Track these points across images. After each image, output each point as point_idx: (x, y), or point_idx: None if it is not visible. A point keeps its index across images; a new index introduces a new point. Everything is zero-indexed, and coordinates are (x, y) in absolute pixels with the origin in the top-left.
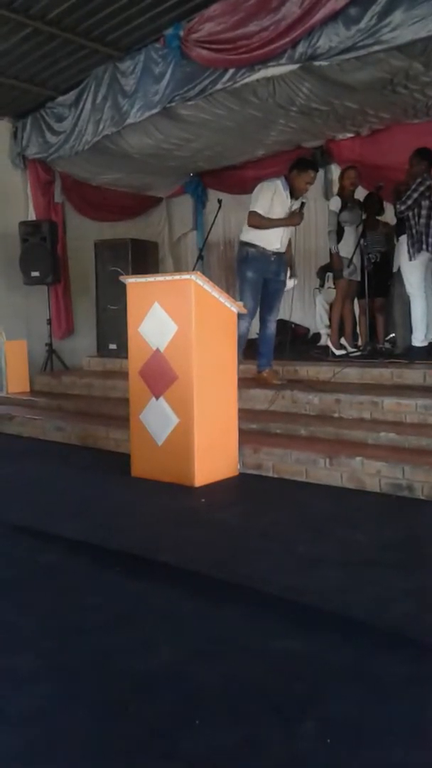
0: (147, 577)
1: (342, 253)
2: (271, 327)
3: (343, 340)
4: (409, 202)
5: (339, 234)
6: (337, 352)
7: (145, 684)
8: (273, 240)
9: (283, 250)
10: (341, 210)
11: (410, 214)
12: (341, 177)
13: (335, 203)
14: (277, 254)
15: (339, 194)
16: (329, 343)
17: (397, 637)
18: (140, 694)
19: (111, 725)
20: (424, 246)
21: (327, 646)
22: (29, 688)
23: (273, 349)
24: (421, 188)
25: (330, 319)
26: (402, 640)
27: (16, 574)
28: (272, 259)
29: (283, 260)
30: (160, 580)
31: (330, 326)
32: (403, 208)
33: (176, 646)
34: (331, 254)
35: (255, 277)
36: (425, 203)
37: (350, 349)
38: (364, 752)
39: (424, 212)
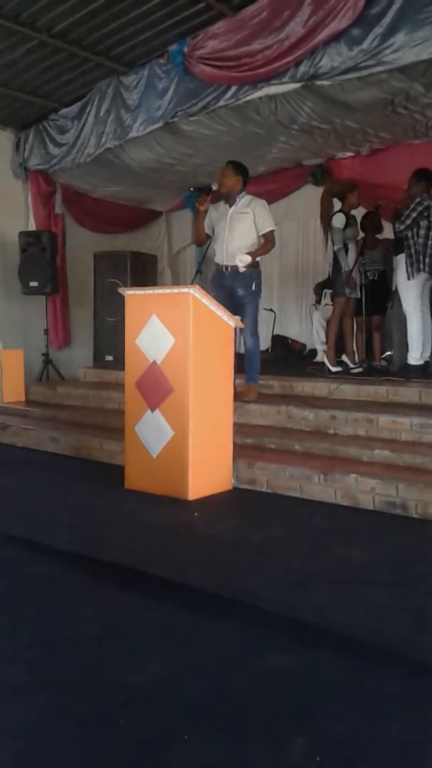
0: (139, 590)
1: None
2: (248, 342)
3: (344, 357)
4: (408, 221)
5: (345, 251)
6: (333, 369)
7: (135, 697)
8: None
9: None
10: (345, 227)
11: (409, 233)
12: (350, 193)
13: (340, 220)
14: None
15: (341, 210)
16: (325, 360)
17: (390, 654)
18: (130, 708)
19: (100, 739)
20: (421, 266)
21: (320, 662)
22: (19, 699)
23: (254, 365)
24: (420, 208)
25: (327, 336)
26: (395, 658)
27: (8, 584)
28: None
29: None
30: (152, 593)
31: (326, 342)
32: (402, 227)
33: (167, 660)
34: (338, 271)
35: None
36: (423, 223)
37: (351, 366)
38: None
39: (422, 232)
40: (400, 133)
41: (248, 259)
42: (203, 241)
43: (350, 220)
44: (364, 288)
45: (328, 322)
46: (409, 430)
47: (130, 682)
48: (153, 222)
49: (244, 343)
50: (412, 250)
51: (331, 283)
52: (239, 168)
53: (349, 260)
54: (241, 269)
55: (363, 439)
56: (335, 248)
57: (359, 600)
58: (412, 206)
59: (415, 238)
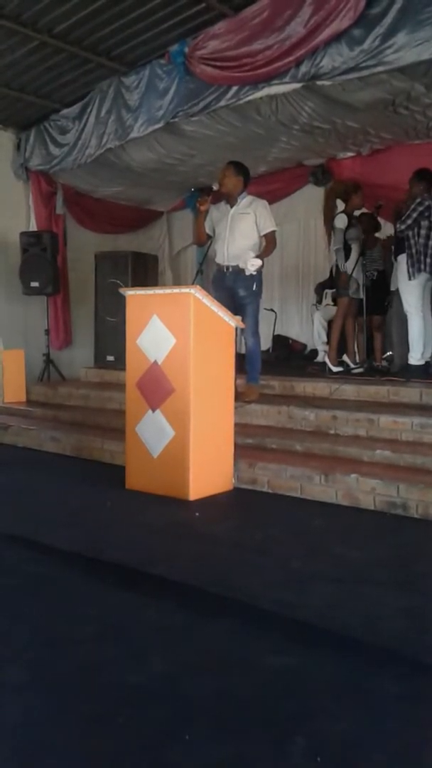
0: (139, 590)
1: (349, 271)
2: (248, 342)
3: (345, 357)
4: (409, 221)
5: (345, 252)
6: (335, 369)
7: (134, 697)
8: None
9: None
10: (347, 228)
11: (410, 233)
12: (354, 194)
13: (342, 221)
14: None
15: (344, 211)
16: (327, 360)
17: (390, 654)
18: (130, 707)
19: (100, 738)
20: (422, 266)
21: (319, 662)
22: (18, 698)
23: (255, 365)
24: (420, 208)
25: (329, 336)
26: (395, 657)
27: (8, 583)
28: None
29: None
30: (153, 592)
31: (328, 343)
32: (403, 227)
33: (167, 659)
34: (338, 272)
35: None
36: (424, 223)
37: (352, 366)
38: None
39: (423, 232)
40: (401, 133)
41: (259, 262)
42: (204, 241)
43: (353, 221)
44: (365, 288)
45: (329, 322)
46: (410, 430)
47: (130, 682)
48: (154, 222)
49: (245, 343)
50: (413, 250)
51: (332, 283)
52: (240, 168)
53: (352, 261)
54: (252, 272)
55: (364, 440)
56: (334, 248)
57: (359, 600)
58: (412, 206)
59: (416, 238)
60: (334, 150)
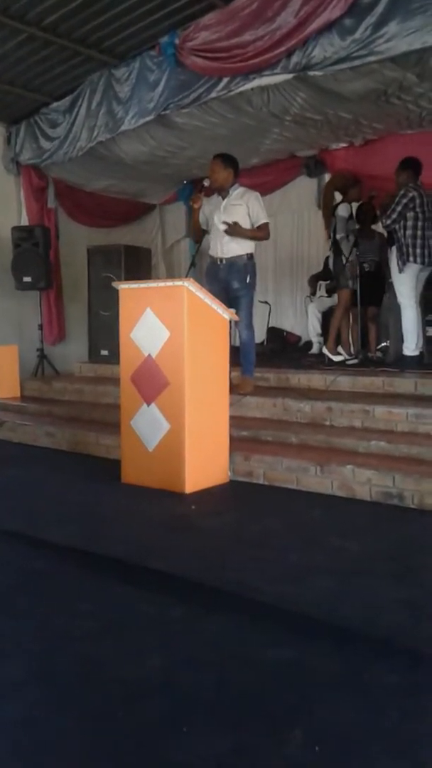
0: (137, 584)
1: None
2: (243, 335)
3: (340, 348)
4: (394, 215)
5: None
6: (335, 359)
7: (134, 691)
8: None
9: None
10: (348, 218)
11: (396, 226)
12: (352, 188)
13: (346, 209)
14: None
15: (344, 201)
16: (325, 350)
17: (388, 646)
18: (129, 702)
19: (99, 732)
20: (411, 258)
21: (318, 654)
22: (17, 694)
23: (249, 358)
24: (404, 200)
25: (324, 328)
26: (393, 649)
27: (5, 579)
28: None
29: None
30: (150, 586)
31: (324, 334)
32: (388, 222)
33: (166, 654)
34: (343, 263)
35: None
36: (410, 215)
37: (347, 357)
38: (353, 761)
39: (410, 224)
40: (393, 123)
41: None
42: (201, 237)
43: (351, 212)
44: (360, 279)
45: (323, 313)
46: (405, 420)
47: (129, 676)
48: (146, 215)
49: (239, 335)
50: (401, 243)
51: (326, 275)
52: (228, 160)
53: (347, 251)
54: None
55: (359, 431)
56: (338, 237)
57: (357, 591)
58: (396, 200)
59: (403, 231)
60: (327, 141)
